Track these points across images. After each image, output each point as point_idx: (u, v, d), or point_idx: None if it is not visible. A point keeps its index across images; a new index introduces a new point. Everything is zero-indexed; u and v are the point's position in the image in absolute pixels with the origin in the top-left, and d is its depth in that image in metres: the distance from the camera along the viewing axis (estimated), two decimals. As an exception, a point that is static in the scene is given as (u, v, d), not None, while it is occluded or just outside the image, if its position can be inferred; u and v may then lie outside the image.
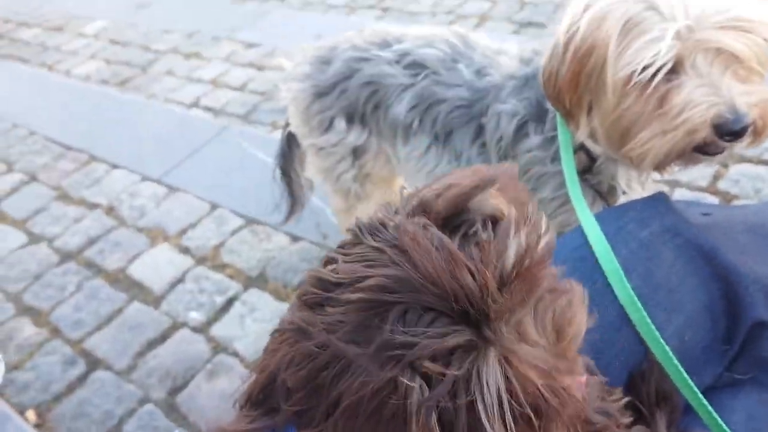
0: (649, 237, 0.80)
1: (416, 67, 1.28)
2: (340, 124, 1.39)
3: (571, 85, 0.97)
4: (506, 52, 1.25)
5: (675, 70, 0.88)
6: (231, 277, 1.82)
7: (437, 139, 1.28)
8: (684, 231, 0.80)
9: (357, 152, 1.43)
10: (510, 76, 1.19)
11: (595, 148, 1.05)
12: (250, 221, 2.00)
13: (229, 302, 1.74)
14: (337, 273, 0.45)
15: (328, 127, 1.41)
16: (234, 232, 1.97)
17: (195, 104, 2.71)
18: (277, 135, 2.02)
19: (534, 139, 1.16)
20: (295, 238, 1.89)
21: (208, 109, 2.66)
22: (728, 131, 0.87)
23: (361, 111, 1.36)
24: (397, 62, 1.30)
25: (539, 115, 1.14)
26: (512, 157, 1.19)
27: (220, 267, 1.86)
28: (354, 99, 1.35)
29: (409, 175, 1.44)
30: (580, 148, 1.07)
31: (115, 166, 2.41)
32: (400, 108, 1.29)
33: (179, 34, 3.34)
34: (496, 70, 1.21)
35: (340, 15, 3.21)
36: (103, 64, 3.26)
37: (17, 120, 2.88)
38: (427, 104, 1.27)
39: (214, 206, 2.10)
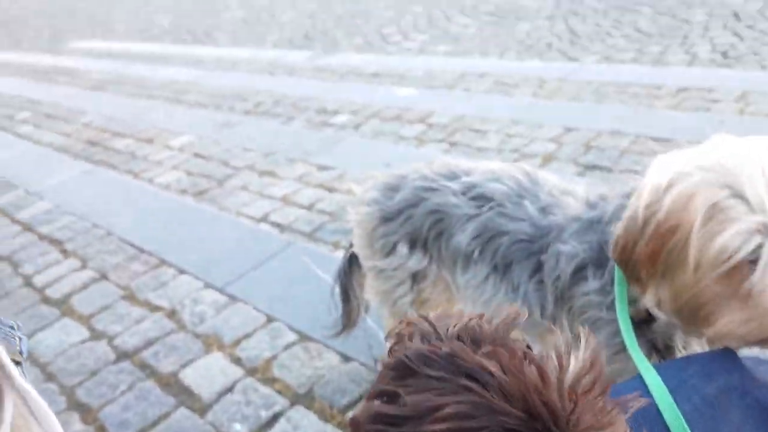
0: (714, 393, 0.77)
1: (482, 199, 1.31)
2: (403, 249, 1.43)
3: (649, 259, 0.97)
4: (573, 193, 1.27)
5: (760, 256, 0.87)
6: (279, 391, 1.80)
7: (496, 270, 1.29)
8: (753, 390, 0.77)
9: (416, 277, 1.45)
10: (574, 217, 1.21)
11: (658, 314, 1.03)
12: (303, 337, 2.01)
13: (274, 418, 1.72)
14: (404, 405, 0.45)
15: (391, 251, 1.44)
16: (287, 347, 1.98)
17: (264, 219, 2.83)
18: (339, 254, 2.08)
19: (592, 284, 1.15)
20: (346, 358, 1.88)
21: (275, 224, 2.76)
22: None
23: (424, 237, 1.39)
24: (464, 193, 1.34)
25: (600, 261, 1.14)
26: (568, 298, 1.19)
27: (270, 380, 1.85)
28: (418, 226, 1.39)
29: (466, 303, 1.44)
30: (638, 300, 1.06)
31: (182, 272, 2.50)
32: (462, 237, 1.32)
33: (257, 153, 3.55)
34: (560, 210, 1.24)
35: (410, 146, 3.37)
36: (183, 174, 3.48)
37: (98, 220, 3.06)
38: (489, 235, 1.29)
39: (270, 319, 2.12)
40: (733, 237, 0.86)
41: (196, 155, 3.72)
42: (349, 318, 1.78)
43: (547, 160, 2.89)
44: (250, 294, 2.28)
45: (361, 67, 5.07)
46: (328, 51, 6.09)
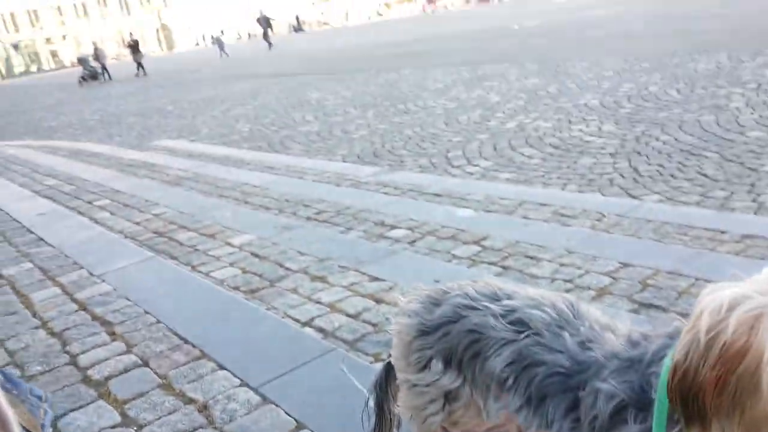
0: None
1: (521, 324, 1.29)
2: (437, 365, 1.40)
3: (715, 387, 0.91)
4: (615, 329, 1.24)
5: None
6: (297, 504, 1.73)
7: (530, 402, 1.24)
8: None
9: (449, 396, 1.41)
10: (614, 354, 1.16)
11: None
12: (331, 448, 1.94)
13: None
14: None
15: (425, 365, 1.42)
16: (312, 457, 1.92)
17: (309, 323, 2.84)
18: (377, 366, 2.04)
19: (633, 428, 1.09)
20: (371, 476, 1.80)
21: (319, 329, 2.76)
22: None
23: (459, 357, 1.36)
24: (503, 316, 1.32)
25: (642, 403, 1.08)
26: (606, 440, 1.12)
27: (290, 491, 1.78)
28: (455, 344, 1.37)
29: (498, 433, 1.38)
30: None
31: (221, 367, 2.50)
32: (497, 361, 1.29)
33: (312, 258, 3.62)
34: (600, 345, 1.20)
35: (461, 266, 3.36)
36: (239, 272, 3.56)
37: (149, 307, 3.14)
38: (525, 363, 1.25)
39: (300, 426, 2.08)
40: None
41: (253, 254, 3.82)
42: (380, 431, 1.72)
43: (601, 293, 2.83)
44: (284, 397, 2.24)
45: (423, 186, 5.19)
46: (394, 168, 6.30)
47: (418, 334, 1.43)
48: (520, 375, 1.26)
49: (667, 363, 0.99)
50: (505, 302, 1.35)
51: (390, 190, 5.25)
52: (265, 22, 36.39)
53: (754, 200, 4.03)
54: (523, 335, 1.27)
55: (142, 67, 29.83)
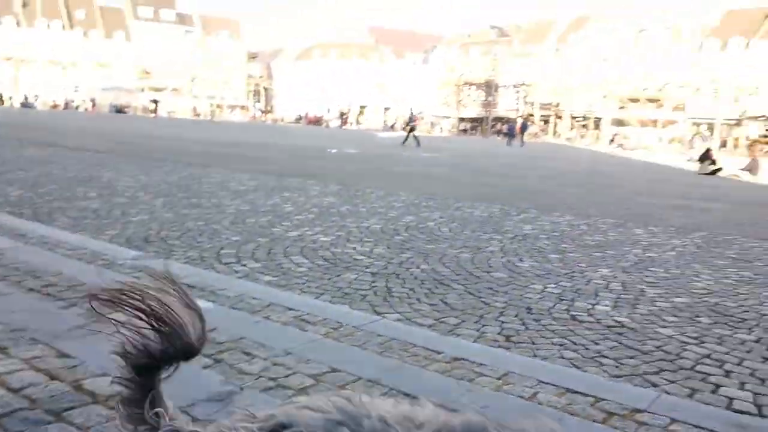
0: None
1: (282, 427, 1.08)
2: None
3: None
4: (414, 418, 1.05)
5: None
6: None
7: None
8: None
9: None
10: None
11: None
12: None
13: None
14: None
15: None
16: None
17: (-39, 396, 2.45)
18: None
19: None
20: None
21: (-30, 403, 2.39)
22: None
23: None
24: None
25: None
26: None
27: None
28: None
29: None
30: None
31: None
32: None
33: (2, 327, 3.21)
34: None
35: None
36: None
37: None
38: None
39: None
40: None
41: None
42: None
43: (301, 392, 2.79)
44: None
45: (179, 276, 4.93)
46: (158, 256, 6.00)
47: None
48: None
49: None
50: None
51: (141, 275, 4.93)
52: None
53: (477, 330, 4.36)
54: None
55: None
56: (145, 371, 1.25)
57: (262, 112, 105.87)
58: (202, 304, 4.01)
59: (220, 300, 4.43)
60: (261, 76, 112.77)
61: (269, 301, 4.52)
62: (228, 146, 24.90)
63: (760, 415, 3.20)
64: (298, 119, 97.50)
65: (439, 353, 3.67)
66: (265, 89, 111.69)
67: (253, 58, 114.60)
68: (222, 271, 5.64)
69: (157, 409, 1.23)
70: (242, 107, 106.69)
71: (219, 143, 26.48)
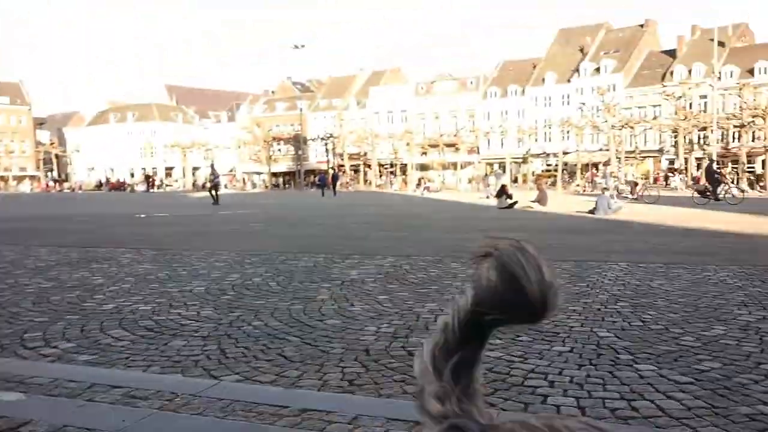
0: None
1: None
2: None
3: None
4: None
5: None
6: None
7: None
8: None
9: None
10: None
11: None
12: None
13: None
14: None
15: None
16: None
17: None
18: None
19: None
20: None
21: None
22: None
23: None
24: None
25: None
26: None
27: None
28: None
29: None
30: None
31: None
32: None
33: None
34: None
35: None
36: None
37: None
38: None
39: None
40: None
41: None
42: None
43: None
44: None
45: None
46: (-56, 351, 5.19)
47: None
48: None
49: None
50: None
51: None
52: None
53: (320, 378, 4.32)
54: None
55: None
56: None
57: (56, 181, 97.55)
58: (10, 396, 3.59)
59: (32, 389, 3.93)
60: (52, 143, 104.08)
61: (90, 382, 4.10)
62: (18, 221, 22.51)
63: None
64: (99, 185, 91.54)
65: (285, 407, 3.57)
66: (57, 156, 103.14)
67: (41, 124, 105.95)
68: (29, 357, 5.03)
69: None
70: (32, 177, 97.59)
71: (6, 218, 23.85)
